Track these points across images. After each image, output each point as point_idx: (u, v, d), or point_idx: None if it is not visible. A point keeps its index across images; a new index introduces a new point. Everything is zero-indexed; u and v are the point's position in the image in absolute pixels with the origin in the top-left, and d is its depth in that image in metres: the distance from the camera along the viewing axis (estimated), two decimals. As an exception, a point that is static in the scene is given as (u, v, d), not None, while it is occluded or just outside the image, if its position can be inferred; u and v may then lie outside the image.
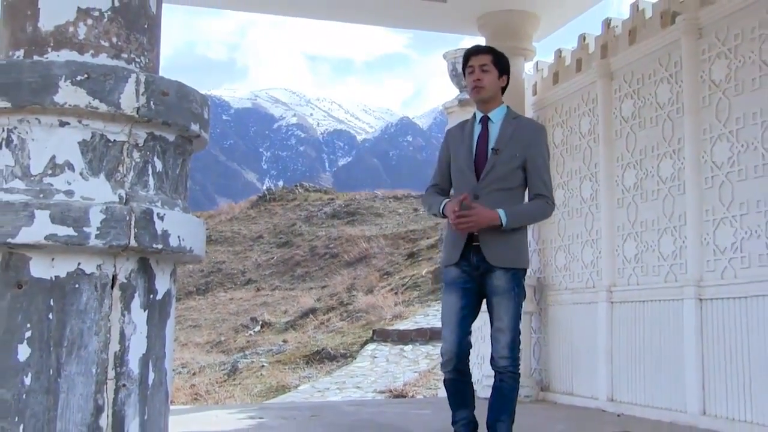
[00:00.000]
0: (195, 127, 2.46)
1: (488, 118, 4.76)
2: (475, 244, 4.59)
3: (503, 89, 4.89)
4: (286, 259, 31.01)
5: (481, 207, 4.50)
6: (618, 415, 7.53)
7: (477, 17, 9.32)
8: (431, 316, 17.80)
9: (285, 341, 18.73)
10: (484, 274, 4.62)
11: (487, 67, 4.74)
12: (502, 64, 4.83)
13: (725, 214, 6.92)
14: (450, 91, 11.25)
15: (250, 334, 21.03)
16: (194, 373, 16.30)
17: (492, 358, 4.72)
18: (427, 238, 28.02)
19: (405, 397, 11.83)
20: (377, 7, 9.48)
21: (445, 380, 4.86)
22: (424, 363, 14.51)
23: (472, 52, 4.85)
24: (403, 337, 16.29)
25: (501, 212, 4.48)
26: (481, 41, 9.82)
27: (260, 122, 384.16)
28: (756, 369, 6.59)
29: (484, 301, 4.81)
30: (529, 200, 4.80)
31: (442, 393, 10.51)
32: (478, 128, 4.78)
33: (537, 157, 4.73)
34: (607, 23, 8.69)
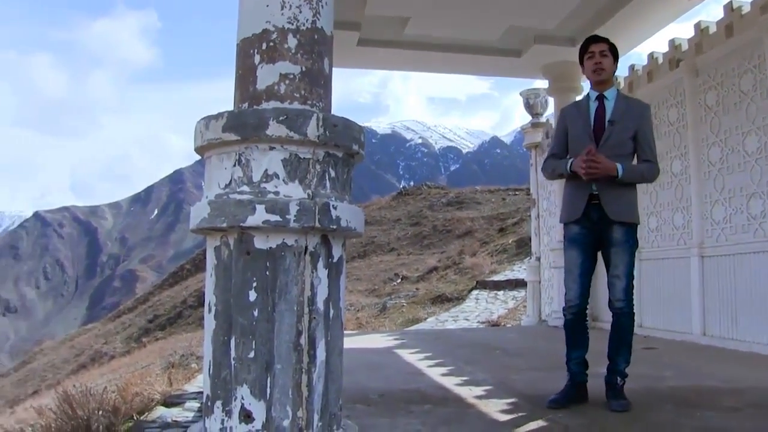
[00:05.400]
0: (355, 147, 2.50)
1: (604, 96, 4.08)
2: (594, 202, 3.92)
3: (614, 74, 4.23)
4: (417, 234, 31.02)
5: (604, 158, 3.84)
6: (644, 337, 7.32)
7: (542, 66, 9.16)
8: (516, 271, 17.59)
9: (417, 289, 18.77)
10: (602, 228, 3.94)
11: (605, 52, 4.09)
12: (615, 51, 4.15)
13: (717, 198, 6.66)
14: (524, 117, 11.13)
15: (394, 284, 21.13)
16: (358, 310, 16.50)
17: (610, 300, 4.01)
18: (512, 218, 27.63)
19: (498, 325, 11.73)
20: (473, 63, 9.44)
21: (565, 322, 4.09)
22: (511, 303, 14.35)
23: (592, 41, 4.18)
24: (497, 286, 16.17)
25: (618, 165, 3.84)
26: (545, 84, 9.65)
27: (397, 143, 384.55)
28: (741, 302, 6.37)
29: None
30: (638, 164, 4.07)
31: (525, 322, 10.44)
32: (594, 105, 4.09)
33: (645, 129, 4.04)
34: (632, 67, 8.46)
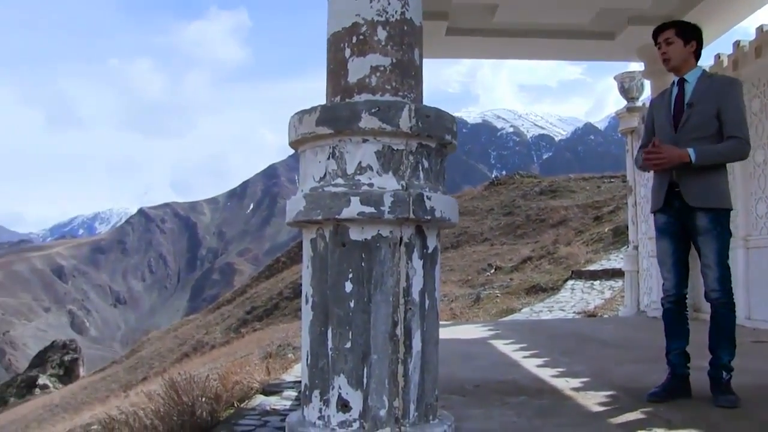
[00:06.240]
0: (448, 137, 2.49)
1: (684, 80, 3.91)
2: (676, 190, 3.76)
3: (696, 53, 3.96)
4: (510, 223, 30.63)
5: (670, 146, 3.69)
6: (753, 329, 6.97)
7: (636, 49, 8.83)
8: (612, 260, 17.12)
9: (511, 279, 18.54)
10: (686, 216, 3.76)
11: (670, 39, 3.92)
12: (686, 33, 3.92)
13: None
14: (619, 102, 10.85)
15: (488, 275, 20.93)
16: (452, 301, 16.44)
17: (705, 292, 3.85)
18: (607, 206, 26.90)
19: (595, 316, 11.44)
20: (565, 47, 9.22)
21: (664, 312, 3.97)
22: (608, 293, 13.97)
23: (657, 30, 4.04)
24: (593, 275, 15.77)
25: (690, 150, 3.63)
26: (640, 66, 9.32)
27: (488, 132, 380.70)
28: None
29: None
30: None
31: (623, 313, 10.16)
32: (675, 90, 3.94)
33: (728, 104, 3.73)
34: (737, 44, 7.98)
